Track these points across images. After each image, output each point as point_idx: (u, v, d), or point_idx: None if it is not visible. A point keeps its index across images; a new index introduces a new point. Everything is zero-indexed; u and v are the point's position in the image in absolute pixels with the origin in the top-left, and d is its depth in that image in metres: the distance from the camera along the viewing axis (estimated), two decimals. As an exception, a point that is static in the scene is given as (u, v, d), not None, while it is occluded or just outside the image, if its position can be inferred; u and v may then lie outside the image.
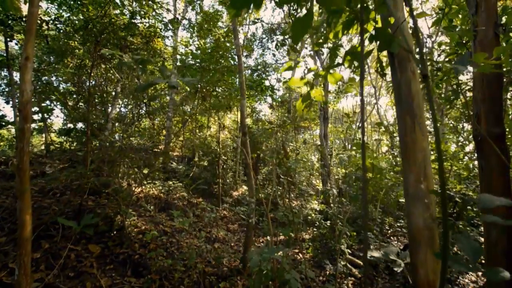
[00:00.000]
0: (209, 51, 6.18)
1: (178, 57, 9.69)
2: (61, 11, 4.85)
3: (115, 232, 3.46)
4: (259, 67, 11.44)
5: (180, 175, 7.37)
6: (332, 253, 4.88)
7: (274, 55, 10.19)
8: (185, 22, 10.80)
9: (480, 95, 1.25)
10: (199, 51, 7.03)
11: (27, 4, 1.93)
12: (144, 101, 11.40)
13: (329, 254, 4.90)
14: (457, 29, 3.08)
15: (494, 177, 1.16)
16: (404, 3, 1.02)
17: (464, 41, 1.87)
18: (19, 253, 1.88)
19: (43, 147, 8.00)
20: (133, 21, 4.46)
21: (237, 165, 8.95)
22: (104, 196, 4.16)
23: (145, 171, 5.78)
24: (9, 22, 4.71)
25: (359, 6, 0.99)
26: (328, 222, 5.45)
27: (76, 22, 4.46)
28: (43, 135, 8.15)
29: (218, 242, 4.57)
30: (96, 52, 4.93)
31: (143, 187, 5.31)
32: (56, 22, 4.58)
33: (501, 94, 1.21)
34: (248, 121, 11.22)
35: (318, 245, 5.05)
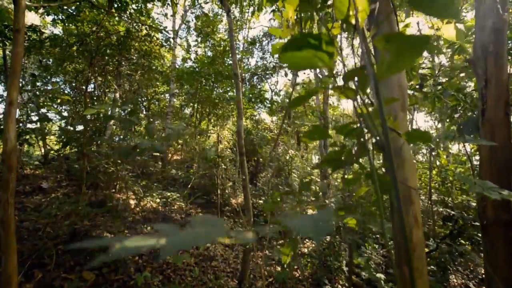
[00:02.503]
0: (209, 53, 6.16)
1: (177, 62, 9.57)
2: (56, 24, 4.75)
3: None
4: (259, 71, 11.30)
5: (179, 184, 7.33)
6: (332, 270, 4.82)
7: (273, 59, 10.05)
8: (184, 25, 10.66)
9: (488, 177, 1.17)
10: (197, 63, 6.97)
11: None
12: (144, 105, 11.31)
13: (329, 271, 4.85)
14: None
15: (499, 265, 1.09)
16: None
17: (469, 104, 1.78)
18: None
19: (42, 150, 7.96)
20: (128, 37, 4.35)
21: (236, 173, 8.90)
22: (100, 216, 4.12)
23: (143, 183, 5.72)
24: (7, 33, 4.61)
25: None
26: (328, 237, 5.39)
27: (71, 38, 4.36)
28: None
29: (216, 260, 4.52)
30: (93, 63, 4.85)
31: (141, 201, 5.26)
32: (52, 37, 4.48)
33: (511, 177, 1.13)
34: (248, 123, 11.11)
35: (317, 261, 4.99)
